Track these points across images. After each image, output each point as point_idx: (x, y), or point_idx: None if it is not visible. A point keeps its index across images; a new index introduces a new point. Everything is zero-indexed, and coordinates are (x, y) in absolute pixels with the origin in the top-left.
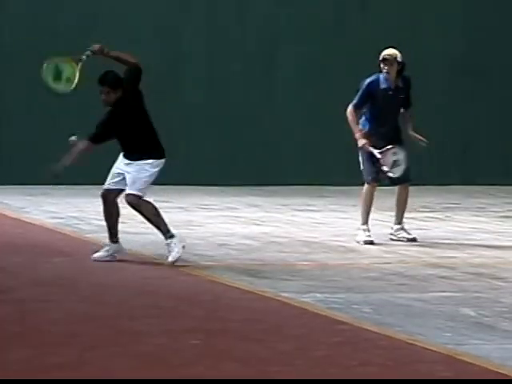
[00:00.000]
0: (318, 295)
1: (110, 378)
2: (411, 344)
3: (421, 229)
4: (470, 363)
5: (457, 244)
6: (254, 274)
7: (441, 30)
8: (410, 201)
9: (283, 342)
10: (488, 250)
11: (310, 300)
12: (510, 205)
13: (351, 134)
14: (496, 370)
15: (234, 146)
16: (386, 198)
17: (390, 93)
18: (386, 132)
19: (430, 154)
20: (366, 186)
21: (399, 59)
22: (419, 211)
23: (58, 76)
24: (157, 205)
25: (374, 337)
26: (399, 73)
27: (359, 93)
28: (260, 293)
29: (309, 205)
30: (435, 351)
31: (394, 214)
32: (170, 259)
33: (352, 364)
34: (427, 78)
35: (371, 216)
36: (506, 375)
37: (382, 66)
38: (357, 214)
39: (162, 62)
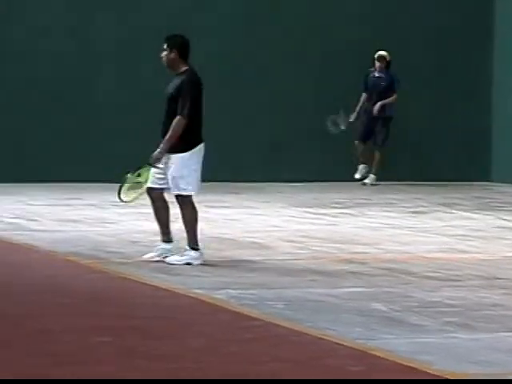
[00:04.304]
0: (230, 291)
1: (20, 377)
2: (322, 339)
3: (332, 224)
4: (380, 357)
5: (368, 239)
6: (166, 271)
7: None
8: (322, 197)
9: (195, 338)
10: (399, 245)
11: (223, 296)
12: (420, 200)
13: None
14: (405, 363)
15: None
16: (300, 194)
17: None
18: None
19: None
20: None
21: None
22: (331, 207)
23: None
24: (69, 202)
25: (285, 332)
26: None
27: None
28: (172, 289)
29: (221, 201)
30: (346, 346)
31: (310, 209)
32: (169, 258)
33: (263, 360)
34: None
35: None
36: (415, 369)
37: None
38: (269, 210)
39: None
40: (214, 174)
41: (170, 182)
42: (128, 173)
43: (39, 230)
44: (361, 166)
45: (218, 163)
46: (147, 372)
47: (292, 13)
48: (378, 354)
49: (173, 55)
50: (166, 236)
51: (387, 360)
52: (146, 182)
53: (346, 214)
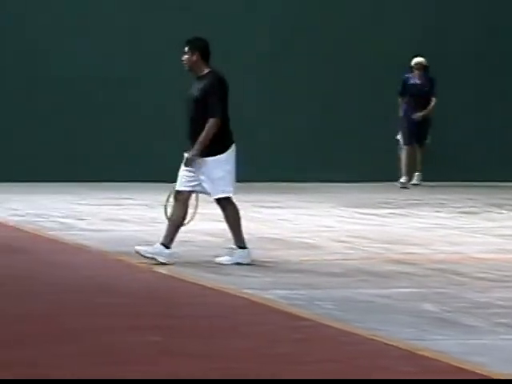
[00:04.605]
0: (280, 292)
1: (70, 377)
2: (372, 340)
3: (383, 225)
4: (432, 358)
5: (418, 240)
6: (216, 271)
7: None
8: (373, 197)
9: (243, 338)
10: (450, 246)
11: (273, 296)
12: (470, 200)
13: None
14: (457, 364)
15: None
16: (351, 194)
17: None
18: None
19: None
20: None
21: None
22: (382, 207)
23: None
24: (120, 201)
25: (335, 333)
26: None
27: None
28: (222, 289)
29: (272, 201)
30: (397, 347)
31: (360, 210)
32: (220, 259)
33: (312, 360)
34: None
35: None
36: (466, 370)
37: None
38: (319, 210)
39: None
40: (265, 174)
41: (207, 186)
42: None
43: (90, 230)
44: (404, 177)
45: (270, 164)
46: (192, 372)
47: (343, 24)
48: (428, 354)
49: (195, 57)
50: (170, 239)
51: (438, 361)
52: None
53: (397, 214)
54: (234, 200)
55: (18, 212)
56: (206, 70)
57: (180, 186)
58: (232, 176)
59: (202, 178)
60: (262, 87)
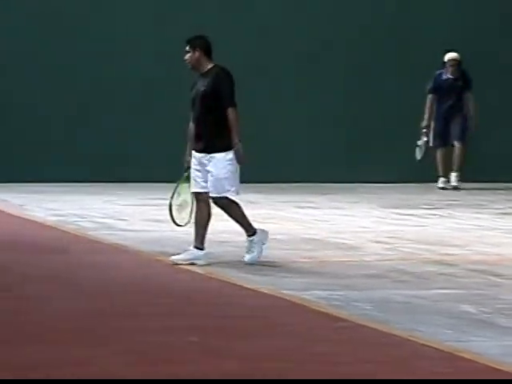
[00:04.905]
0: (318, 292)
1: (109, 376)
2: (410, 341)
3: (421, 225)
4: (470, 360)
5: (457, 241)
6: (254, 272)
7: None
8: (411, 198)
9: (281, 339)
10: (488, 247)
11: (310, 297)
12: (510, 202)
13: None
14: (496, 366)
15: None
16: (389, 195)
17: None
18: None
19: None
20: None
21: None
22: (420, 208)
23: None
24: (157, 202)
25: (373, 334)
26: None
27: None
28: (261, 290)
29: (309, 202)
30: (435, 348)
31: (398, 210)
32: (247, 259)
33: (350, 361)
34: None
35: None
36: (505, 372)
37: None
38: (357, 211)
39: None
40: (302, 174)
41: (211, 183)
42: (172, 197)
43: (128, 230)
44: (441, 177)
45: (307, 164)
46: (231, 372)
47: (382, 28)
48: (466, 356)
49: (197, 55)
50: (201, 240)
51: (476, 362)
52: (186, 195)
53: (435, 214)
54: (237, 199)
55: (57, 212)
56: (210, 65)
57: (195, 187)
58: (237, 175)
59: (208, 174)
60: (299, 87)
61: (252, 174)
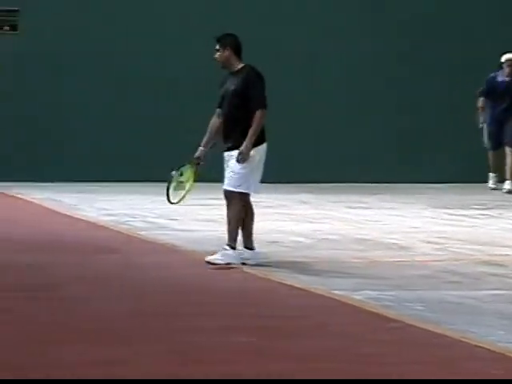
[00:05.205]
0: (369, 292)
1: (158, 376)
2: (462, 341)
3: (473, 226)
4: None
5: (508, 242)
6: (305, 272)
7: None
8: (462, 198)
9: (330, 339)
10: None
11: (362, 297)
12: None
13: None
14: None
15: (287, 145)
16: (440, 195)
17: None
18: None
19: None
20: None
21: None
22: (472, 209)
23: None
24: (207, 202)
25: (424, 334)
26: None
27: None
28: (311, 290)
29: (360, 202)
30: (487, 349)
31: (450, 211)
32: (208, 257)
33: (403, 362)
34: None
35: None
36: None
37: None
38: (408, 211)
39: None
40: (355, 175)
41: (226, 175)
42: (172, 170)
43: (180, 230)
44: (492, 175)
45: (359, 164)
46: (279, 372)
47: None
48: None
49: (227, 53)
50: (249, 242)
51: None
52: (187, 181)
53: (487, 215)
54: (251, 200)
55: (109, 212)
56: (241, 65)
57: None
58: (255, 174)
59: (228, 169)
60: (350, 88)
61: (303, 174)
